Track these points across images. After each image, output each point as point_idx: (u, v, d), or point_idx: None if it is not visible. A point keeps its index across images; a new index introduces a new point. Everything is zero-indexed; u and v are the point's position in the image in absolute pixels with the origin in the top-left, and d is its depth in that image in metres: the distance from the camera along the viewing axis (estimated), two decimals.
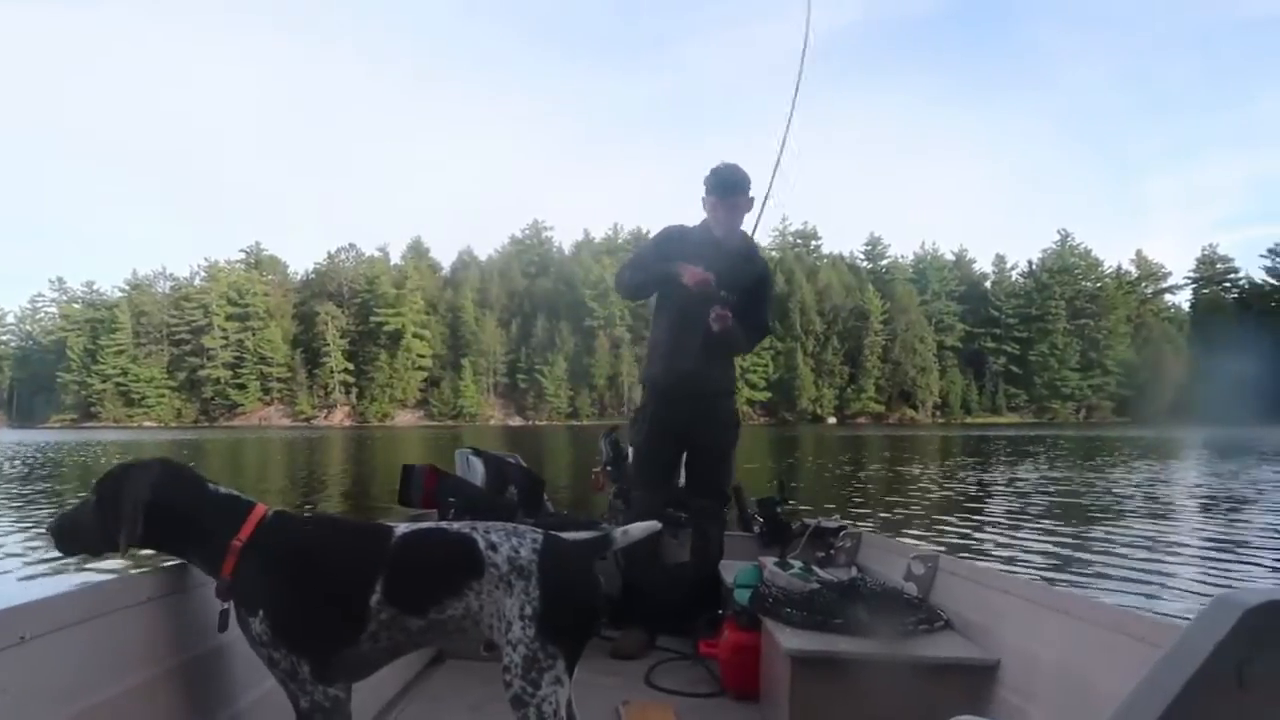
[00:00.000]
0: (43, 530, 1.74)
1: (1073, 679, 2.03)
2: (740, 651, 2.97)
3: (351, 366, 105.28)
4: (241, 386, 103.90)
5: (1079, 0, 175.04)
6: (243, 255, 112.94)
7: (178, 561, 1.93)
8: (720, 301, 3.35)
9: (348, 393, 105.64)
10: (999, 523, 10.79)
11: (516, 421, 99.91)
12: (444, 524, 1.97)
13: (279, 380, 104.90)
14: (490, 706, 2.74)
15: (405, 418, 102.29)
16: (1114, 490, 14.99)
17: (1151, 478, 17.79)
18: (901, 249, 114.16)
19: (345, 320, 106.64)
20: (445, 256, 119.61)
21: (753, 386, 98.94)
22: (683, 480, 3.91)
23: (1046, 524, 10.67)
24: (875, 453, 28.55)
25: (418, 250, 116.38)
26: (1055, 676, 2.12)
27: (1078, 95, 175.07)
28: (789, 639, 2.57)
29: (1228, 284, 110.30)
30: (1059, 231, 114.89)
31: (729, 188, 3.57)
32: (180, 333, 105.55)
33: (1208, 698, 0.75)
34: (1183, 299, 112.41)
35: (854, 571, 3.33)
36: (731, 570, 3.43)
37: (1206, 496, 14.18)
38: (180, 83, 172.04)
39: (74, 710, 1.56)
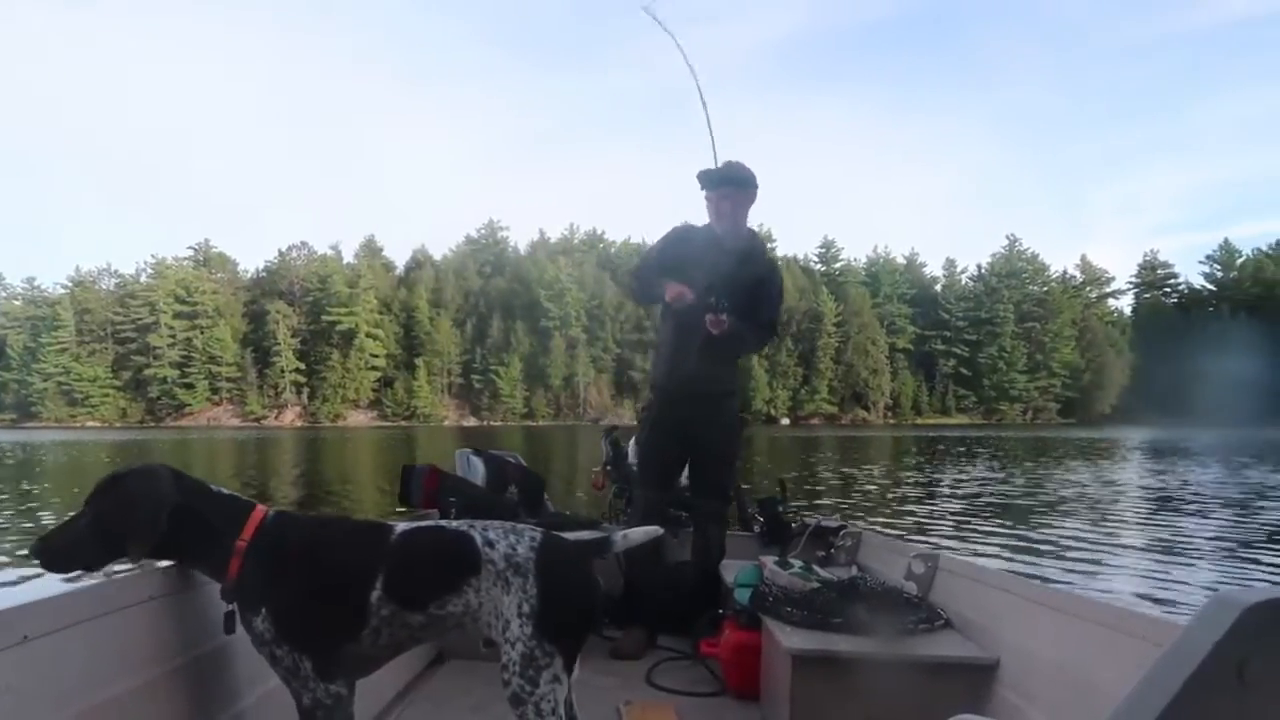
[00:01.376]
0: (26, 553, 1.70)
1: (1072, 678, 2.04)
2: (741, 651, 2.97)
3: (303, 366, 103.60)
4: (189, 386, 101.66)
5: (1023, 12, 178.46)
6: (191, 252, 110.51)
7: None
8: (713, 309, 3.33)
9: (299, 393, 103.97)
10: (947, 520, 11.09)
11: (471, 422, 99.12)
12: (443, 522, 1.98)
13: (228, 380, 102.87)
14: (491, 707, 2.74)
15: (358, 418, 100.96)
16: (1061, 490, 15.39)
17: (1096, 477, 18.30)
18: (855, 252, 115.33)
19: (297, 319, 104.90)
20: (399, 255, 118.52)
21: None
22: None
23: (999, 521, 11.00)
24: (833, 453, 28.88)
25: (371, 249, 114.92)
26: (1055, 675, 2.13)
27: (1023, 104, 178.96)
28: (789, 638, 2.57)
29: (1168, 289, 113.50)
30: (1007, 237, 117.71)
31: (716, 180, 3.58)
32: (125, 331, 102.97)
33: (1207, 696, 0.75)
34: (1125, 303, 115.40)
35: (854, 571, 3.35)
36: (732, 570, 3.43)
37: (1154, 496, 14.59)
38: (125, 76, 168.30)
39: (76, 710, 1.57)
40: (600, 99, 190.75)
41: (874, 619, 2.62)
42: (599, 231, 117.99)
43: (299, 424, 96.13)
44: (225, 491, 1.89)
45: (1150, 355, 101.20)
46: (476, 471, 3.98)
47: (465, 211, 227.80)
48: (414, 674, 3.08)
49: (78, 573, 1.82)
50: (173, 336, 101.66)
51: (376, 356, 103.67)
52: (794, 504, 4.28)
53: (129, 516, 1.75)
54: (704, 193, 3.64)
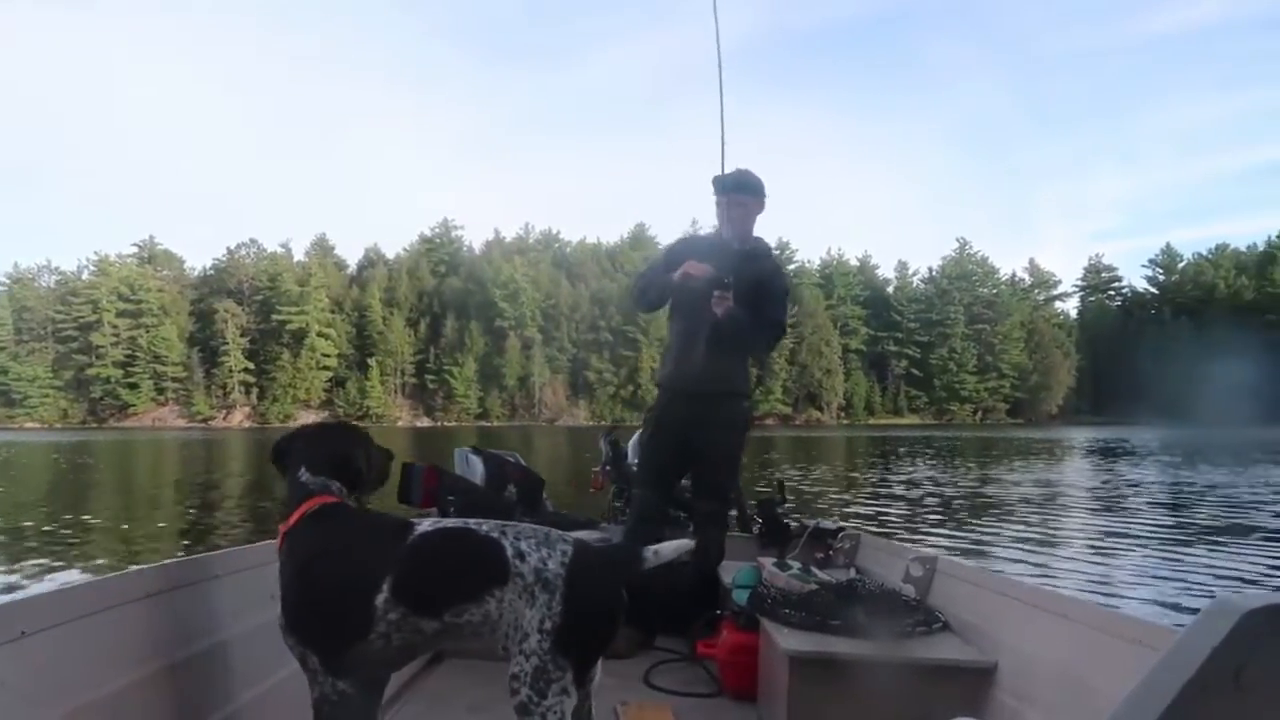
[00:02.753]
0: None
1: (1070, 681, 2.04)
2: (738, 652, 2.98)
3: (252, 366, 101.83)
4: (133, 386, 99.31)
5: (971, 18, 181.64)
6: (135, 249, 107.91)
7: (177, 558, 1.95)
8: (722, 285, 3.35)
9: (248, 393, 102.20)
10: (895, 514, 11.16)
11: (425, 422, 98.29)
12: (473, 524, 1.88)
13: (174, 380, 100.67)
14: (490, 707, 2.75)
15: (309, 418, 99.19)
16: (1017, 488, 15.67)
17: (1043, 477, 18.74)
18: (809, 254, 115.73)
19: (245, 318, 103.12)
20: (351, 254, 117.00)
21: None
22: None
23: (954, 519, 11.13)
24: (784, 453, 29.08)
25: (322, 247, 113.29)
26: (1053, 679, 2.14)
27: (972, 109, 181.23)
28: (787, 640, 2.58)
29: (1112, 292, 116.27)
30: (958, 240, 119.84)
31: (728, 186, 3.62)
32: (66, 329, 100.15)
33: (1205, 701, 0.75)
34: (1071, 306, 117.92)
35: (852, 573, 3.37)
36: (730, 571, 3.42)
37: (1103, 495, 14.90)
38: (67, 68, 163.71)
39: (74, 705, 1.55)
40: (556, 99, 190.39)
41: (872, 621, 2.62)
42: (554, 231, 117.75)
43: (248, 425, 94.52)
44: (304, 477, 1.90)
45: (1095, 357, 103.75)
46: (476, 470, 3.97)
47: (418, 210, 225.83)
48: (412, 673, 3.07)
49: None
50: (116, 335, 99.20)
51: (328, 356, 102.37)
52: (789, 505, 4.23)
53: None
54: (715, 197, 3.69)
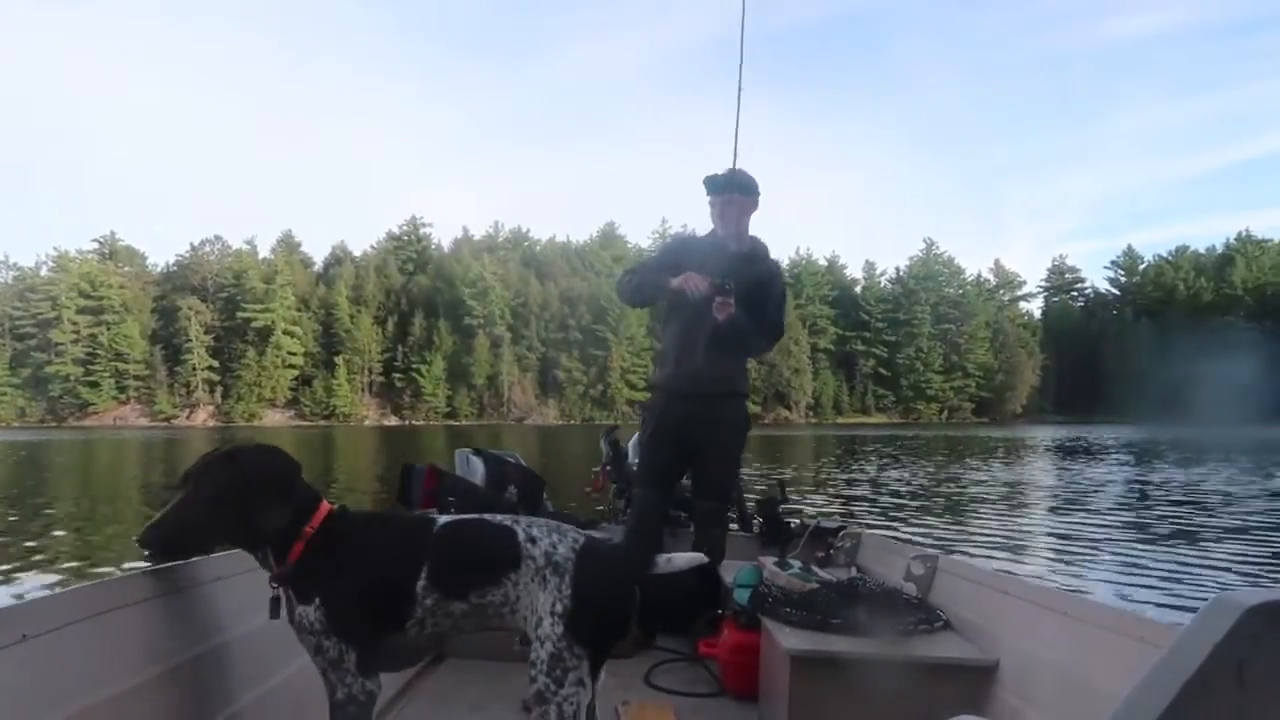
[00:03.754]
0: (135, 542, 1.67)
1: (1072, 679, 2.05)
2: (740, 651, 2.98)
3: (216, 364, 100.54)
4: (94, 384, 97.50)
5: (938, 21, 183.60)
6: (96, 245, 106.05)
7: (178, 561, 1.93)
8: (723, 291, 3.35)
9: (212, 391, 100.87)
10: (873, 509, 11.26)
11: (392, 421, 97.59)
12: (487, 516, 2.01)
13: (136, 378, 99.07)
14: (490, 706, 2.80)
15: (274, 417, 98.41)
16: (983, 485, 15.86)
17: (1012, 475, 18.98)
18: (777, 254, 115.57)
19: (210, 315, 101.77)
20: (318, 251, 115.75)
21: (632, 387, 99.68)
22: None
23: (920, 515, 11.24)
24: (761, 451, 29.20)
25: (288, 244, 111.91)
26: (1054, 677, 2.14)
27: (939, 110, 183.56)
28: (788, 639, 2.58)
29: (1075, 293, 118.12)
30: (924, 240, 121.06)
31: (721, 186, 3.62)
32: (24, 326, 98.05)
33: (1207, 698, 0.75)
34: (1035, 306, 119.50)
35: (853, 571, 3.37)
36: (731, 570, 3.42)
37: (1060, 492, 15.12)
38: (25, 59, 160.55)
39: (75, 708, 1.55)
40: (525, 97, 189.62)
41: (873, 620, 2.62)
42: (524, 230, 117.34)
43: (212, 424, 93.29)
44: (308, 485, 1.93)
45: (1059, 356, 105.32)
46: (476, 471, 3.98)
47: (386, 208, 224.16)
48: (413, 673, 3.08)
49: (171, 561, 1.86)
50: (76, 332, 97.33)
51: (294, 354, 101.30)
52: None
53: (268, 484, 1.80)
54: (708, 197, 3.67)
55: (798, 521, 3.96)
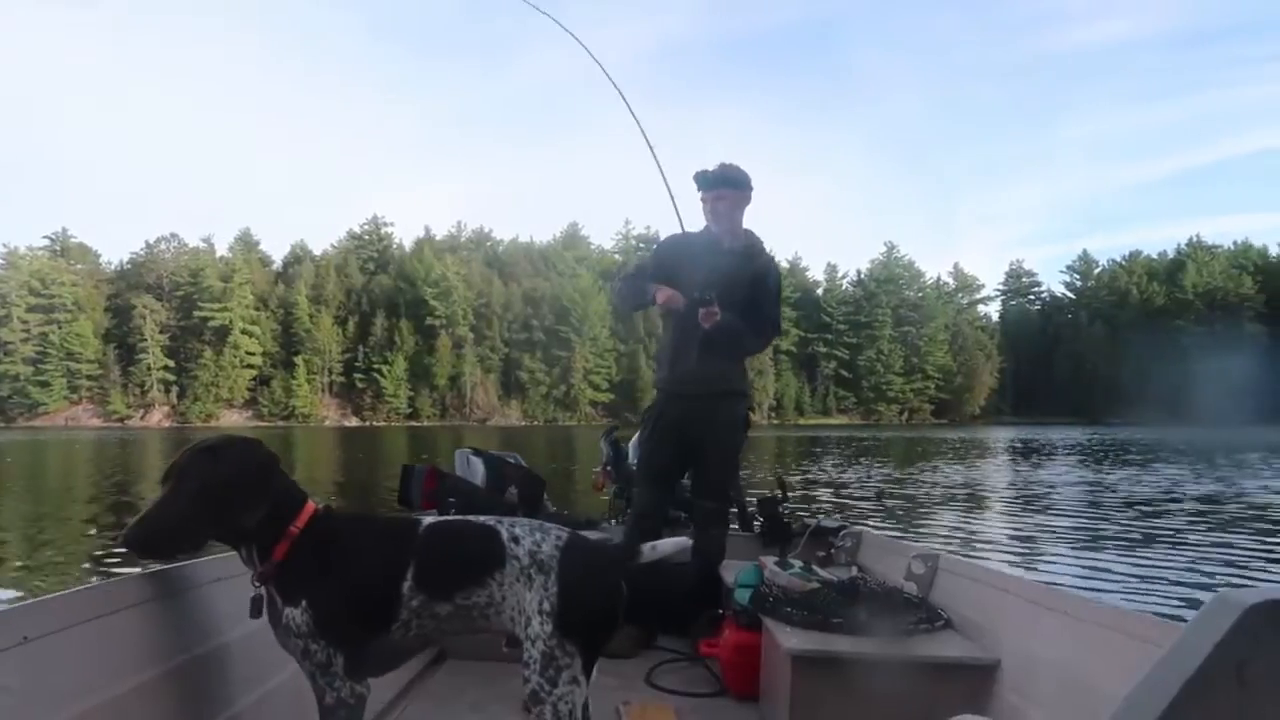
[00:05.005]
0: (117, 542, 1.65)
1: (1073, 678, 2.05)
2: (741, 651, 2.97)
3: (172, 364, 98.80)
4: (45, 384, 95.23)
5: (895, 28, 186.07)
6: (47, 242, 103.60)
7: (178, 563, 1.93)
8: (702, 303, 3.35)
9: (167, 391, 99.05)
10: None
11: (353, 422, 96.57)
12: (470, 517, 2.00)
13: (88, 378, 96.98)
14: (490, 706, 2.80)
15: (232, 418, 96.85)
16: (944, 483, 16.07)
17: (971, 475, 19.24)
18: None
19: (165, 314, 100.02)
20: (277, 250, 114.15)
21: (595, 388, 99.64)
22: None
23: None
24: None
25: (246, 242, 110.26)
26: (1055, 676, 2.14)
27: (899, 117, 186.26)
28: (789, 639, 2.58)
29: (1032, 296, 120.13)
30: (885, 244, 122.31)
31: (711, 181, 3.62)
32: None
33: (1208, 697, 0.75)
34: (993, 309, 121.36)
35: (854, 571, 3.37)
36: (732, 570, 3.42)
37: (1019, 492, 15.38)
38: None
39: (76, 710, 1.56)
40: (488, 97, 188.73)
41: (874, 619, 2.62)
42: (487, 230, 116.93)
43: (167, 424, 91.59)
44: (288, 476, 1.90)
45: (1016, 359, 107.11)
46: (476, 472, 3.97)
47: (347, 207, 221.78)
48: (414, 673, 3.08)
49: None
50: (26, 331, 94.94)
51: (252, 354, 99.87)
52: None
53: (244, 480, 1.76)
54: (699, 194, 3.67)
55: (799, 521, 3.97)
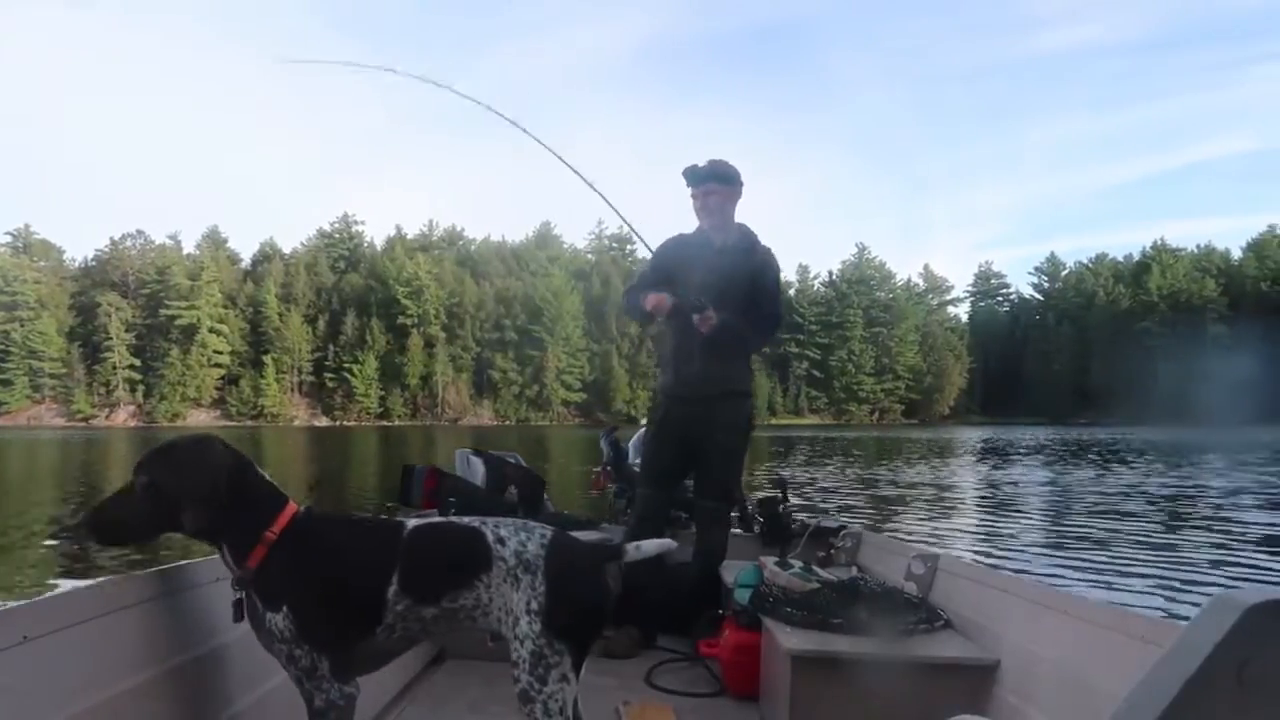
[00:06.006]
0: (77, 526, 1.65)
1: (1073, 678, 2.05)
2: (741, 651, 2.97)
3: (138, 362, 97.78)
4: (7, 383, 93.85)
5: (867, 30, 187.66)
6: (9, 238, 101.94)
7: (178, 562, 1.93)
8: (695, 308, 3.36)
9: (133, 390, 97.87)
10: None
11: (323, 422, 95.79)
12: (454, 518, 2.01)
13: (52, 376, 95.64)
14: (490, 707, 2.80)
15: (199, 417, 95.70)
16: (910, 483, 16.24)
17: (944, 475, 19.46)
18: None
19: (131, 312, 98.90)
20: (245, 248, 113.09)
21: (568, 388, 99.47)
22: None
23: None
24: None
25: (214, 240, 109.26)
26: (1055, 676, 2.14)
27: (870, 119, 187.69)
28: (789, 639, 2.58)
29: (1000, 298, 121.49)
30: (857, 245, 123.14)
31: (700, 177, 3.61)
32: None
33: (1208, 697, 0.75)
34: (963, 310, 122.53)
35: (854, 571, 3.37)
36: (732, 570, 3.42)
37: (988, 491, 15.55)
38: None
39: (75, 710, 1.56)
40: (459, 98, 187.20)
41: (874, 620, 2.62)
42: (458, 229, 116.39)
43: (133, 424, 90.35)
44: (267, 477, 1.86)
45: (985, 359, 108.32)
46: (476, 471, 3.96)
47: (317, 205, 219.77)
48: (413, 673, 3.08)
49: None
50: None
51: (220, 353, 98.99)
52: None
53: (188, 481, 1.73)
54: (690, 191, 3.66)
55: (799, 521, 3.97)
